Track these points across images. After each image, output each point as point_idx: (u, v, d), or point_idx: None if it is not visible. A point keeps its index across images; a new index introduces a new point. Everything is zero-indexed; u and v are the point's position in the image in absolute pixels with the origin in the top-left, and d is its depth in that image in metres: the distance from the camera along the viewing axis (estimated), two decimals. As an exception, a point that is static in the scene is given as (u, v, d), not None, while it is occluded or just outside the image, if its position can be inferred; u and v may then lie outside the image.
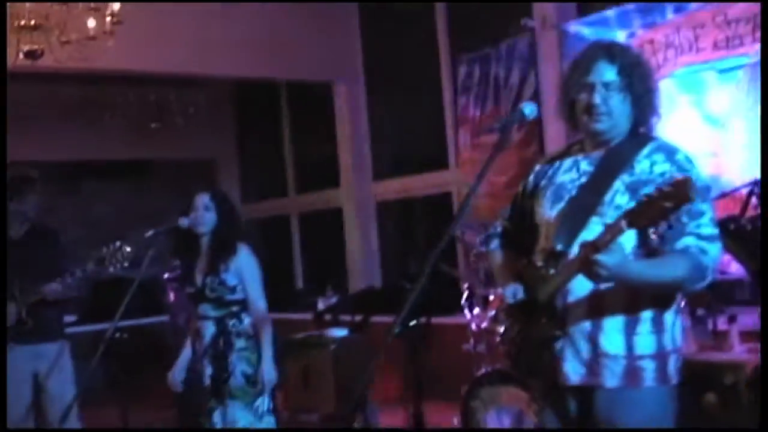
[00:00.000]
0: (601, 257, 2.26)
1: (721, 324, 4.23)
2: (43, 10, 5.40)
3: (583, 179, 2.58)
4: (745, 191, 4.32)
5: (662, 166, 2.49)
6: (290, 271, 9.34)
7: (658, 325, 2.49)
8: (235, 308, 3.98)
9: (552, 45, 6.56)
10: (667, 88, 5.85)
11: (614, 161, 2.53)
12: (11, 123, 7.97)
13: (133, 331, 5.74)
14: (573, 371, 2.50)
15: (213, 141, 9.51)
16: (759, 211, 4.21)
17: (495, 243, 2.86)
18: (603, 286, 2.40)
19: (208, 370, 3.97)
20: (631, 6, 5.97)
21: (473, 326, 4.70)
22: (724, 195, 4.46)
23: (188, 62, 7.18)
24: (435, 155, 7.75)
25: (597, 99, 2.51)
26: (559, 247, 2.48)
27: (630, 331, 2.47)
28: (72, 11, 5.45)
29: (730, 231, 4.09)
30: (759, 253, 4.06)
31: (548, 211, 2.61)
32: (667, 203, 2.18)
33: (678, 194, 2.17)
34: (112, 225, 8.21)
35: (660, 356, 2.48)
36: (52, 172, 9.35)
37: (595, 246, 2.29)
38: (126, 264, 4.07)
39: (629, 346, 2.47)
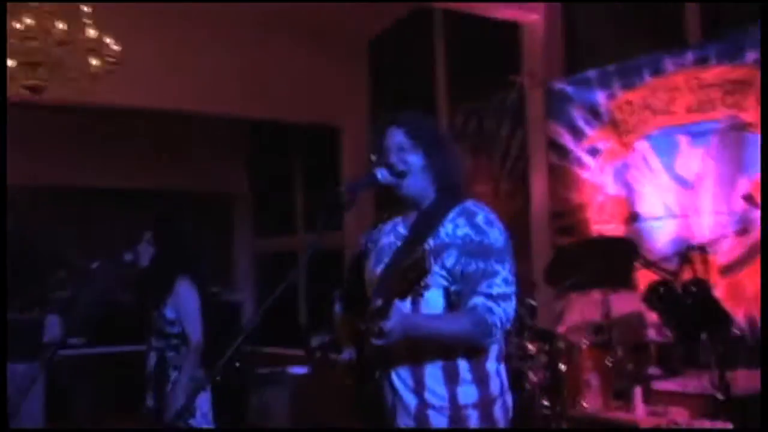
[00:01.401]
0: (382, 324, 2.39)
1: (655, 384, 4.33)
2: (46, 47, 5.71)
3: (398, 243, 2.71)
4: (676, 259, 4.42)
5: (463, 229, 2.60)
6: (294, 307, 9.55)
7: (478, 374, 2.61)
8: (174, 341, 4.15)
9: (538, 101, 6.73)
10: (642, 149, 6.01)
11: (422, 225, 2.66)
12: (24, 149, 8.45)
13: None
14: (404, 424, 2.63)
15: (229, 175, 9.80)
16: (691, 276, 4.31)
17: (337, 306, 2.98)
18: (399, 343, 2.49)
19: (149, 400, 4.16)
20: (611, 68, 6.12)
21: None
22: (662, 259, 4.56)
23: (193, 99, 7.48)
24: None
25: (394, 160, 2.67)
26: (377, 306, 2.54)
27: (451, 382, 2.59)
28: (72, 51, 5.74)
29: (660, 295, 4.20)
30: (687, 318, 4.16)
31: (371, 273, 2.76)
32: (410, 275, 2.32)
33: (416, 267, 2.30)
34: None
35: (483, 404, 2.60)
36: (68, 198, 9.80)
37: (374, 313, 2.43)
38: (64, 293, 4.30)
39: (452, 397, 2.59)
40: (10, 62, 5.46)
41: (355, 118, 8.44)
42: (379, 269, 2.72)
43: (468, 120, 7.48)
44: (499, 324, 2.52)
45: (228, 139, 9.54)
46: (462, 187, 2.73)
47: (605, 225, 6.21)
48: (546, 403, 4.11)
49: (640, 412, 3.84)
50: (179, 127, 8.92)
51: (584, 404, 3.98)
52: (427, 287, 2.39)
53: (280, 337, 8.20)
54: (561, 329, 4.79)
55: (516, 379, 4.37)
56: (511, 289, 2.57)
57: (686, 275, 4.33)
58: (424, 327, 2.54)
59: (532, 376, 4.18)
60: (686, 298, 4.15)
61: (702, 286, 4.17)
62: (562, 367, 4.10)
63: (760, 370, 3.90)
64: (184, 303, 4.12)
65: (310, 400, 5.37)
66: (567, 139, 6.53)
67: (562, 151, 6.56)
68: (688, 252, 4.35)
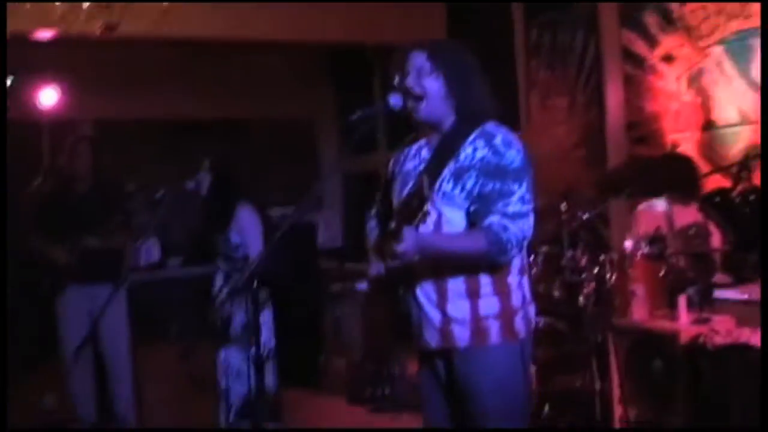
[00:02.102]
0: (396, 246, 2.51)
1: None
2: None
3: (422, 166, 2.79)
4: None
5: (482, 152, 2.68)
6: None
7: (499, 287, 2.71)
8: (239, 264, 4.42)
9: (611, 9, 6.57)
10: (717, 55, 5.82)
11: (444, 148, 2.74)
12: (112, 83, 8.80)
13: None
14: (431, 337, 2.76)
15: (310, 101, 9.95)
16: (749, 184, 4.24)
17: (371, 224, 3.09)
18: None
19: (216, 317, 4.44)
20: (684, -29, 5.91)
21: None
22: (719, 169, 4.48)
23: (277, 28, 7.60)
24: (506, 116, 7.88)
25: (411, 83, 2.73)
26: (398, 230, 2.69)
27: (473, 295, 2.70)
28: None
29: (716, 203, 4.16)
30: (744, 227, 4.11)
31: (397, 196, 2.86)
32: (413, 202, 2.45)
33: (418, 194, 2.43)
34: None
35: (504, 315, 2.71)
36: (155, 130, 10.19)
37: (391, 235, 2.54)
38: (148, 217, 4.56)
39: (473, 309, 2.70)
40: (84, 4, 5.71)
41: (428, 34, 8.42)
42: (404, 192, 2.82)
43: (542, 33, 7.39)
44: (514, 241, 2.61)
45: (312, 64, 9.64)
46: (484, 113, 2.78)
47: (680, 133, 6.09)
48: (595, 313, 4.17)
49: (683, 320, 3.84)
50: (263, 56, 9.08)
51: (631, 314, 4.02)
52: (427, 214, 2.48)
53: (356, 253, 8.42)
54: (627, 242, 4.77)
55: (569, 291, 4.44)
56: (527, 208, 2.66)
57: (746, 184, 4.26)
58: (438, 246, 2.66)
59: (584, 288, 4.22)
60: (744, 206, 4.09)
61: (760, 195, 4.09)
62: (613, 278, 4.14)
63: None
64: (246, 228, 4.36)
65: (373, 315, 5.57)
66: (641, 48, 6.39)
67: (636, 60, 6.42)
68: (748, 160, 4.25)
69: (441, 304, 2.72)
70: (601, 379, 4.08)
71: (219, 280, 4.45)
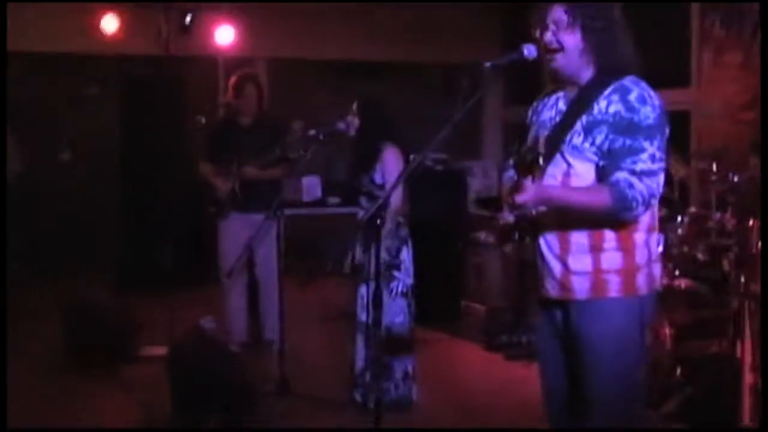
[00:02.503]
0: (517, 198, 2.56)
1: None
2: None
3: (557, 118, 2.78)
4: None
5: (615, 106, 2.64)
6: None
7: (624, 243, 2.70)
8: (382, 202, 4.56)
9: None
10: None
11: (580, 101, 2.71)
12: (295, 21, 9.12)
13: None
14: (551, 287, 2.79)
15: (479, 46, 9.93)
16: None
17: (508, 173, 3.05)
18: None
19: (358, 252, 4.63)
20: None
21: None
22: None
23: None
24: (677, 72, 7.63)
25: (548, 36, 2.71)
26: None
27: (595, 249, 2.70)
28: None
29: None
30: None
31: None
32: (528, 157, 2.50)
33: (532, 151, 2.48)
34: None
35: (626, 271, 2.70)
36: (326, 70, 10.50)
37: (511, 188, 2.60)
38: (303, 153, 4.77)
39: (595, 263, 2.70)
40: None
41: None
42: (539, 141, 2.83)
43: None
44: (640, 199, 2.60)
45: (478, 14, 9.62)
46: (624, 68, 2.73)
47: None
48: (734, 278, 4.05)
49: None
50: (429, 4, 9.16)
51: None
52: (541, 169, 2.55)
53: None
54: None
55: (713, 255, 4.32)
56: (658, 166, 2.63)
57: None
58: (561, 198, 2.68)
59: (730, 253, 4.11)
60: None
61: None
62: (758, 245, 3.99)
63: None
64: (389, 168, 4.49)
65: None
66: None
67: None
68: None
69: (563, 256, 2.74)
70: (733, 346, 3.97)
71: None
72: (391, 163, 4.52)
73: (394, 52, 9.86)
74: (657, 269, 2.83)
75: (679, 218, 4.53)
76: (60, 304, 5.87)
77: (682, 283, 4.55)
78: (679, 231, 4.49)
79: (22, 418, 4.53)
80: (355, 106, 4.65)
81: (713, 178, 4.33)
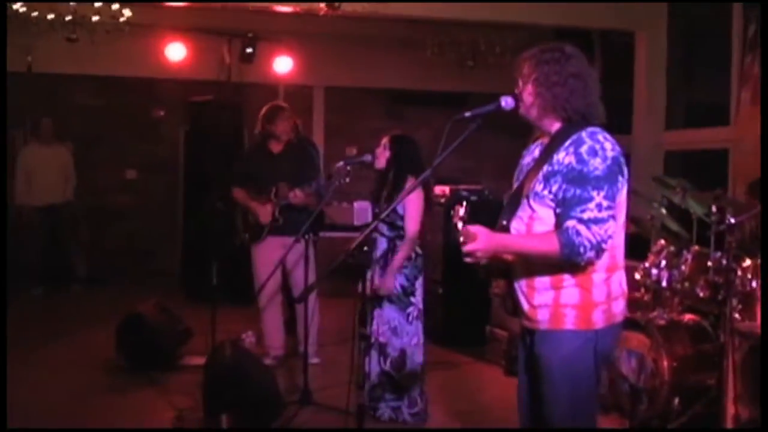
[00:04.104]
0: (468, 247, 2.82)
1: None
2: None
3: (531, 164, 3.01)
4: None
5: (569, 158, 2.85)
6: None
7: (581, 281, 2.92)
8: (402, 231, 4.86)
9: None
10: None
11: (546, 151, 2.94)
12: (351, 55, 9.54)
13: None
14: (523, 318, 3.07)
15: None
16: None
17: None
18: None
19: (376, 277, 4.92)
20: None
21: (638, 275, 5.08)
22: None
23: (498, 11, 7.94)
24: (718, 111, 7.78)
25: (516, 88, 2.99)
26: (503, 222, 2.98)
27: (555, 287, 2.94)
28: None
29: None
30: None
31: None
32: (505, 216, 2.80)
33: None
34: (434, 149, 9.41)
35: (582, 306, 2.92)
36: (385, 98, 10.90)
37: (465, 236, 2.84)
38: (346, 180, 5.07)
39: (555, 297, 2.94)
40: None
41: (650, 22, 8.45)
42: (514, 187, 3.09)
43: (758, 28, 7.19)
44: (588, 245, 2.79)
45: (520, 45, 9.87)
46: (587, 119, 2.93)
47: None
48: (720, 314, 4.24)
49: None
50: (469, 36, 9.47)
51: (755, 317, 4.07)
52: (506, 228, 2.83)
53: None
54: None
55: (713, 291, 4.50)
56: (606, 214, 2.82)
57: None
58: (512, 246, 2.94)
59: (723, 291, 4.27)
60: None
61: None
62: (753, 283, 4.18)
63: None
64: (411, 201, 4.78)
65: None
66: None
67: None
68: None
69: (529, 293, 3.01)
70: (718, 378, 4.16)
71: (382, 244, 4.92)
72: (413, 197, 4.76)
73: (442, 84, 10.24)
74: (618, 305, 3.01)
75: (684, 254, 4.74)
76: (118, 315, 6.30)
77: (684, 317, 4.77)
78: (683, 267, 4.71)
79: (68, 411, 5.08)
80: (386, 140, 4.98)
81: (713, 218, 4.52)
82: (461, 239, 2.85)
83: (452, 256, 6.73)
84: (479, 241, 2.82)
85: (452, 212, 2.96)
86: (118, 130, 10.41)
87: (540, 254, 2.90)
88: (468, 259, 2.89)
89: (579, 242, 2.79)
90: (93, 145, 10.02)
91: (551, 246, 2.83)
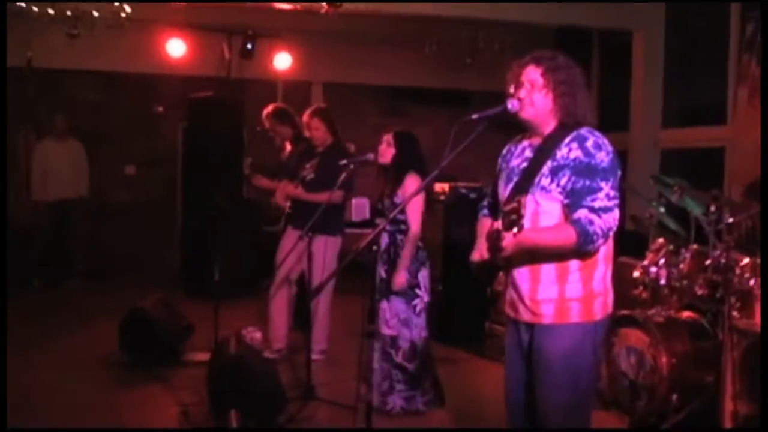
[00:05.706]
0: (499, 246, 2.89)
1: None
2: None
3: (524, 164, 3.16)
4: None
5: (575, 152, 3.02)
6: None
7: (584, 274, 3.08)
8: (403, 226, 4.96)
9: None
10: None
11: (544, 149, 3.10)
12: (350, 52, 9.59)
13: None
14: (524, 312, 3.18)
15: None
16: None
17: (483, 212, 3.51)
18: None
19: (382, 271, 5.02)
20: None
21: (636, 273, 5.16)
22: None
23: (498, 10, 8.02)
24: (715, 110, 7.86)
25: (522, 93, 3.10)
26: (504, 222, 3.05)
27: (561, 280, 3.08)
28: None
29: None
30: None
31: (503, 190, 3.25)
32: (512, 216, 2.80)
33: (515, 211, 2.78)
34: (433, 146, 9.48)
35: (585, 299, 3.08)
36: (384, 95, 10.95)
37: (496, 236, 2.90)
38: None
39: (560, 292, 3.08)
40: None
41: (648, 21, 8.51)
42: (508, 188, 3.21)
43: (758, 29, 7.27)
44: (600, 232, 2.96)
45: (533, 43, 9.92)
46: (581, 120, 3.11)
47: None
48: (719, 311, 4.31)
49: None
50: (468, 34, 9.52)
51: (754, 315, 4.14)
52: (522, 227, 2.83)
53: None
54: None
55: (712, 290, 4.57)
56: (613, 203, 3.00)
57: None
58: (534, 240, 3.04)
59: (721, 289, 4.35)
60: None
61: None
62: (751, 281, 4.25)
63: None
64: (407, 194, 4.87)
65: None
66: None
67: None
68: None
69: (534, 286, 3.12)
70: (716, 375, 4.24)
71: (385, 239, 5.00)
72: (409, 189, 4.89)
73: (443, 81, 10.29)
74: (610, 297, 3.20)
75: (682, 252, 4.82)
76: (119, 310, 6.34)
77: (683, 314, 4.84)
78: (681, 266, 4.78)
79: (74, 407, 5.13)
80: (389, 136, 5.05)
81: (710, 217, 4.60)
82: (494, 241, 2.94)
83: (451, 253, 6.84)
84: (507, 240, 2.89)
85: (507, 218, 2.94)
86: (118, 126, 10.46)
87: (556, 246, 3.03)
88: (500, 255, 2.96)
89: (593, 231, 2.95)
90: (92, 141, 10.05)
91: (567, 236, 2.97)
